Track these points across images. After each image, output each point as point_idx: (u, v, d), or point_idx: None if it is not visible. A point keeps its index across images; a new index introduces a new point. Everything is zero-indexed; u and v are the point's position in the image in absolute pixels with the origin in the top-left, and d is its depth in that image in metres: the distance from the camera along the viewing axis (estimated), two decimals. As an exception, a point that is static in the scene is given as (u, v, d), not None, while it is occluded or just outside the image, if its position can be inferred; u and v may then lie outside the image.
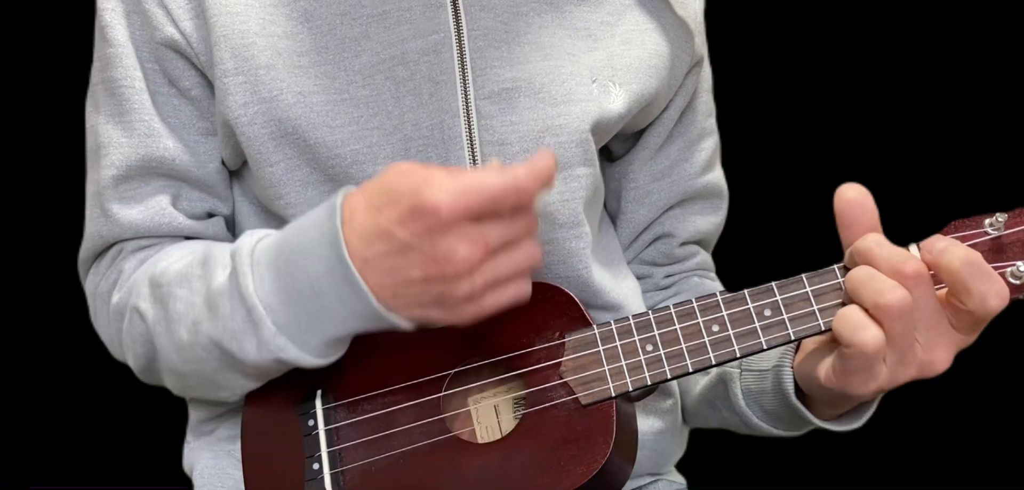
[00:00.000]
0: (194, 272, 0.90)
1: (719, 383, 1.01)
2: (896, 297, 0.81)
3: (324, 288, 0.83)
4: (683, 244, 1.11)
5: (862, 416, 0.92)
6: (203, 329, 0.88)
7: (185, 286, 0.90)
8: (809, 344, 0.91)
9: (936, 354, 0.83)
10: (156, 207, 0.97)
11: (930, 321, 0.82)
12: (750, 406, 0.98)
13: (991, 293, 0.81)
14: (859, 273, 0.83)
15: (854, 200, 0.85)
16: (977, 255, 0.82)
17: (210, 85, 0.97)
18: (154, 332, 0.92)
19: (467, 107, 0.96)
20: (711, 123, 1.12)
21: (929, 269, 0.82)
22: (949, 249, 0.82)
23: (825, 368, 0.87)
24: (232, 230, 1.04)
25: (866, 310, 0.82)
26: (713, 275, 1.15)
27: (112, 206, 0.98)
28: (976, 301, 0.81)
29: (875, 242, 0.83)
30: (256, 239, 0.89)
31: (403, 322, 0.83)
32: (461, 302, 0.81)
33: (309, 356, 0.86)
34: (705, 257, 1.14)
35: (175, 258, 0.94)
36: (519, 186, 0.79)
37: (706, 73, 1.11)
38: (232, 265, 0.87)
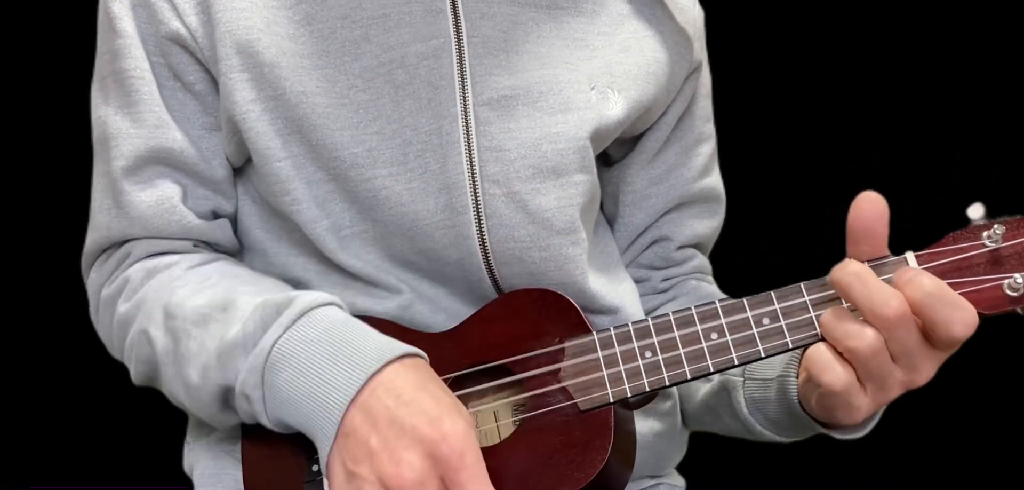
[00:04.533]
0: (214, 315, 0.90)
1: (722, 391, 1.02)
2: (864, 343, 0.81)
3: (314, 393, 0.84)
4: (680, 247, 1.12)
5: (866, 425, 0.92)
6: (212, 377, 0.89)
7: (201, 328, 0.90)
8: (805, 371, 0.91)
9: (918, 375, 0.83)
10: (167, 201, 0.97)
11: (912, 352, 0.82)
12: (753, 414, 0.99)
13: (955, 321, 0.80)
14: (828, 318, 0.84)
15: (863, 214, 0.85)
16: (940, 284, 0.82)
17: (214, 81, 0.97)
18: (161, 362, 0.93)
19: (466, 113, 0.96)
20: (709, 128, 1.13)
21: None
22: (913, 280, 0.82)
23: (814, 398, 0.88)
24: (235, 230, 1.04)
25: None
26: (710, 278, 1.16)
27: (123, 197, 0.97)
28: (941, 331, 0.81)
29: (855, 278, 0.82)
30: (331, 301, 0.90)
31: (323, 458, 0.84)
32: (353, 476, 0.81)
33: (265, 416, 0.87)
34: (702, 260, 1.15)
35: (191, 289, 0.94)
36: None
37: (705, 78, 1.11)
38: (289, 301, 0.88)
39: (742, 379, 0.99)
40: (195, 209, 0.99)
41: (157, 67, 0.98)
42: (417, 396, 0.82)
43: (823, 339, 0.85)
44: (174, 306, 0.93)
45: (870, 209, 0.85)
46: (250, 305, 0.89)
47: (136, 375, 0.98)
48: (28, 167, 1.66)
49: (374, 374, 0.83)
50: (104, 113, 1.00)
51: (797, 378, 0.92)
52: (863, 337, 0.81)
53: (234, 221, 1.04)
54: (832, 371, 0.83)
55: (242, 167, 1.02)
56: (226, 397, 0.90)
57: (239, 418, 0.91)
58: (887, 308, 0.81)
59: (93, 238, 1.02)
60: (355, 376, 0.83)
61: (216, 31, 0.95)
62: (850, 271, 0.83)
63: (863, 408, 0.84)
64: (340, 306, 0.91)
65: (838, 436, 0.93)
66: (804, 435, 0.97)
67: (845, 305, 0.84)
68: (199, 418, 1.03)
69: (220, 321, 0.90)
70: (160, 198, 0.97)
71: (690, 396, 1.08)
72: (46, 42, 1.64)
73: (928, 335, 0.82)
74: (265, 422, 0.88)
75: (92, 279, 1.04)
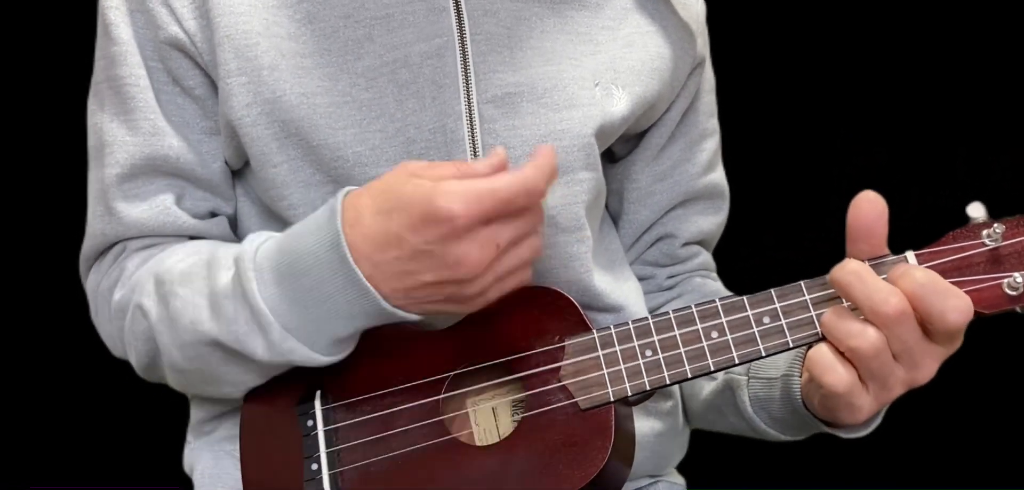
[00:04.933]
0: (198, 272, 0.90)
1: (726, 390, 1.02)
2: (866, 343, 0.81)
3: (330, 291, 0.84)
4: (685, 244, 1.12)
5: (869, 425, 0.92)
6: (204, 329, 0.88)
7: (188, 286, 0.90)
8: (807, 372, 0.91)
9: (919, 372, 0.83)
10: (160, 206, 0.98)
11: (913, 349, 0.82)
12: (758, 413, 0.99)
13: (949, 309, 0.80)
14: (829, 318, 0.84)
15: (863, 213, 0.85)
16: (932, 275, 0.82)
17: (213, 85, 0.97)
18: (156, 330, 0.93)
19: (470, 110, 0.96)
20: (713, 123, 1.13)
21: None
22: (906, 273, 0.82)
23: (817, 398, 0.89)
24: (235, 230, 1.04)
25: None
26: (714, 275, 1.15)
27: (116, 204, 0.98)
28: (937, 320, 0.81)
29: (855, 276, 0.83)
30: (258, 243, 0.89)
31: (412, 317, 0.85)
32: (471, 298, 0.84)
33: (319, 355, 0.87)
34: (707, 257, 1.15)
35: (179, 256, 0.94)
36: (529, 186, 0.82)
37: (708, 74, 1.11)
38: (235, 269, 0.88)
39: (746, 378, 0.99)
40: (191, 210, 0.99)
41: (155, 73, 0.98)
42: (386, 220, 0.81)
43: (824, 339, 0.85)
44: (163, 272, 0.93)
45: (869, 209, 0.85)
46: (230, 255, 0.90)
47: (138, 360, 0.98)
48: (29, 169, 1.66)
49: (345, 246, 0.82)
50: (100, 120, 1.00)
51: (801, 378, 0.92)
52: (865, 337, 0.81)
53: (233, 221, 1.04)
54: (834, 372, 0.83)
55: (241, 169, 1.02)
56: (226, 351, 0.89)
57: (248, 375, 0.91)
58: (887, 306, 0.81)
59: (89, 244, 1.03)
60: (336, 255, 0.83)
61: (215, 34, 0.95)
62: (849, 270, 0.83)
63: (866, 408, 0.84)
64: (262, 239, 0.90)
65: (842, 435, 0.93)
66: (808, 433, 0.97)
67: (846, 304, 0.85)
68: (201, 413, 1.03)
69: (204, 278, 0.90)
70: (153, 204, 0.98)
71: (694, 395, 1.08)
72: (48, 44, 1.64)
73: (926, 329, 0.82)
74: (324, 360, 0.88)
75: (90, 281, 1.04)
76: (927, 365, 0.83)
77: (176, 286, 0.91)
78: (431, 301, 0.84)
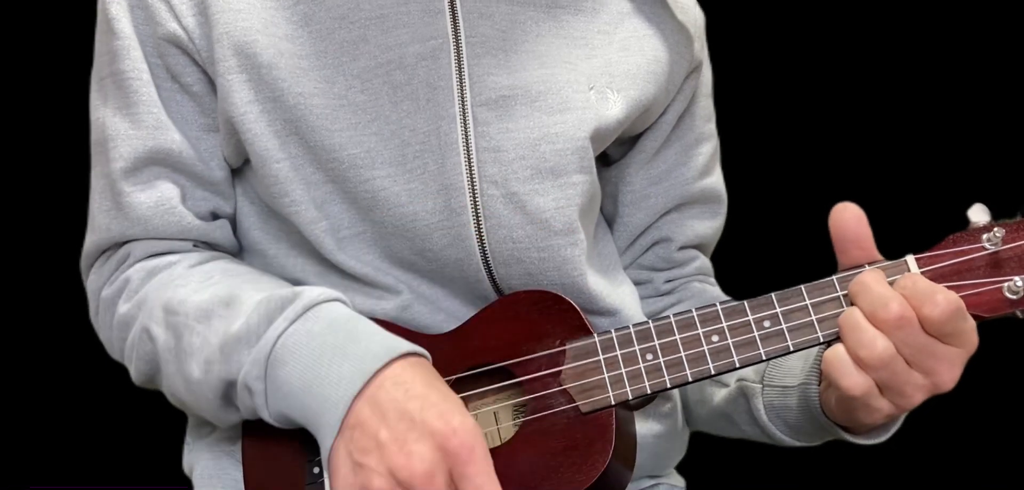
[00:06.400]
0: (217, 311, 0.91)
1: (740, 397, 1.02)
2: (874, 353, 0.82)
3: (317, 387, 0.84)
4: (682, 248, 1.11)
5: (887, 430, 0.93)
6: (215, 371, 0.89)
7: (204, 323, 0.90)
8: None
9: (940, 378, 0.84)
10: (166, 202, 0.97)
11: (923, 354, 0.83)
12: (773, 420, 0.99)
13: (930, 304, 0.81)
14: (845, 320, 0.85)
15: (846, 221, 0.87)
16: (915, 277, 0.84)
17: (211, 82, 0.97)
18: (162, 358, 0.93)
19: (464, 113, 0.96)
20: (710, 128, 1.13)
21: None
22: (897, 282, 0.84)
23: (834, 399, 0.89)
24: (234, 231, 1.04)
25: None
26: (712, 280, 1.15)
27: (122, 197, 0.97)
28: (926, 320, 0.82)
29: (862, 286, 0.84)
30: (336, 297, 0.90)
31: (325, 450, 0.84)
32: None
33: (266, 410, 0.87)
34: (704, 262, 1.15)
35: (193, 287, 0.94)
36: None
37: (706, 78, 1.11)
38: (298, 301, 0.88)
39: (761, 386, 0.99)
40: (194, 210, 0.99)
41: (155, 68, 0.98)
42: (426, 391, 0.83)
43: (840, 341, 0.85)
44: (176, 303, 0.93)
45: (851, 216, 0.87)
46: (253, 300, 0.90)
47: (137, 374, 0.98)
48: (28, 167, 1.66)
49: (381, 368, 0.84)
50: (103, 114, 1.00)
51: (819, 385, 0.93)
52: (873, 347, 0.82)
53: (233, 222, 1.04)
54: (850, 376, 0.83)
55: (240, 168, 1.02)
56: (228, 392, 0.90)
57: (240, 415, 0.91)
58: (886, 311, 0.82)
59: (92, 239, 1.02)
60: (362, 369, 0.83)
61: (213, 32, 0.95)
62: (860, 281, 0.84)
63: (884, 410, 0.85)
64: (345, 302, 0.91)
65: (860, 441, 0.93)
66: (825, 439, 0.98)
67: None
68: (199, 417, 1.03)
69: (223, 316, 0.90)
70: (159, 199, 0.97)
71: (703, 402, 1.08)
72: (47, 42, 1.64)
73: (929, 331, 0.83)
74: (266, 416, 0.88)
75: (92, 280, 1.04)
76: (945, 370, 0.83)
77: (192, 320, 0.91)
78: (354, 450, 0.82)
